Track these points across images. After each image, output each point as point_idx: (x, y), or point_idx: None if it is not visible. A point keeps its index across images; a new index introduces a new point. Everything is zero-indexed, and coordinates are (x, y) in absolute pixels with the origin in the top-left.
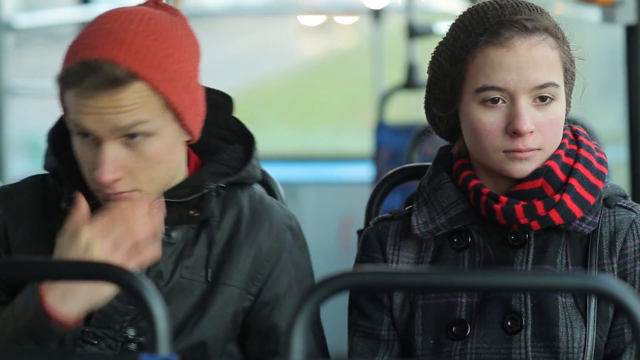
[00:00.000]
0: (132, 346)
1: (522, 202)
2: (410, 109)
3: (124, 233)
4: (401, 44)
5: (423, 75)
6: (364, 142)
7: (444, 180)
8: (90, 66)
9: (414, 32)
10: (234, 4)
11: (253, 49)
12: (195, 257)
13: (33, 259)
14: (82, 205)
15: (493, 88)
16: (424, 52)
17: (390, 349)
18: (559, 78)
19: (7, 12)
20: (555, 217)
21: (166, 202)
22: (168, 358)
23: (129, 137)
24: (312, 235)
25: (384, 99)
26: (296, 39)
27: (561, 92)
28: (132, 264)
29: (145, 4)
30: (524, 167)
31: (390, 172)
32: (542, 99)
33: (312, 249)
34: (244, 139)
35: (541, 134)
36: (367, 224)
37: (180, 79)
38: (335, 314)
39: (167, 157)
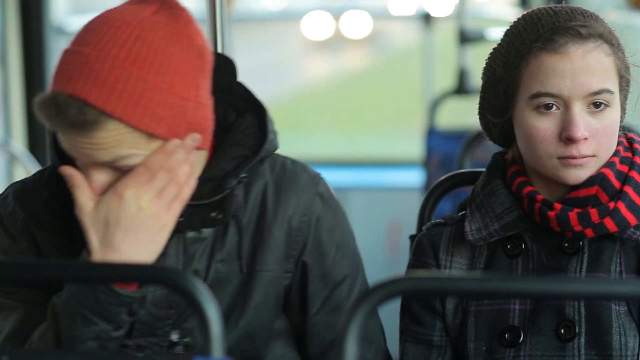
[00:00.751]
0: (179, 349)
1: (576, 210)
2: (461, 114)
3: (167, 181)
4: (451, 49)
5: (474, 81)
6: (411, 147)
7: (498, 186)
8: (60, 105)
9: (465, 38)
10: (283, 8)
11: (300, 53)
12: (227, 248)
13: (92, 262)
14: (76, 176)
15: (547, 94)
16: (475, 58)
17: (443, 354)
18: (613, 85)
19: (59, 16)
20: (610, 224)
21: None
22: None
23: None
24: (361, 240)
25: (434, 104)
26: (344, 44)
27: (616, 98)
28: (176, 208)
29: (147, 3)
30: (578, 174)
31: (443, 177)
32: (597, 105)
33: (360, 254)
34: (253, 107)
35: (595, 141)
36: (419, 229)
37: (168, 109)
38: (385, 320)
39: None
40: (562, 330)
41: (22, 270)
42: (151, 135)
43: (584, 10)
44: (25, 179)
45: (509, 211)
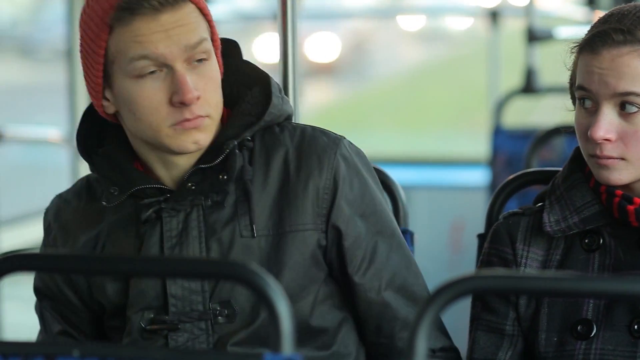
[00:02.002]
0: (220, 320)
1: None
2: (527, 113)
3: None
4: (516, 48)
5: (542, 80)
6: (473, 146)
7: (579, 180)
8: None
9: (533, 37)
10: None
11: (364, 51)
12: (251, 213)
13: (160, 256)
14: None
15: (582, 88)
16: (544, 57)
17: (514, 344)
18: None
19: None
20: None
21: (199, 169)
22: (292, 358)
23: (195, 61)
24: (423, 238)
25: (501, 103)
26: (409, 42)
27: None
28: None
29: None
30: (605, 174)
31: (513, 176)
32: (627, 107)
33: (422, 253)
34: (261, 80)
35: (623, 144)
36: (487, 228)
37: (206, 6)
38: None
39: (220, 82)
40: (636, 327)
41: (86, 264)
42: (208, 27)
43: None
44: (65, 192)
45: (589, 205)
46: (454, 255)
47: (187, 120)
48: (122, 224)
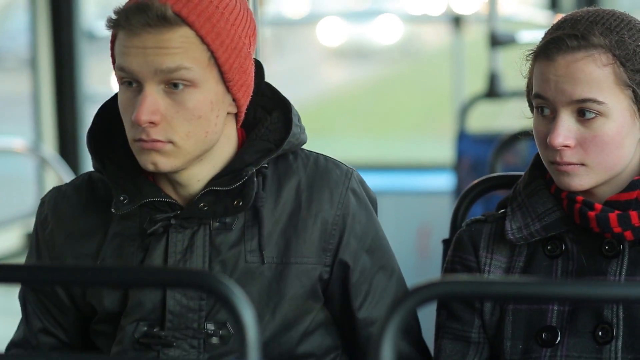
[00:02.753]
0: (214, 340)
1: (617, 211)
2: (491, 118)
3: None
4: (480, 52)
5: (505, 85)
6: (439, 151)
7: (540, 186)
8: (142, 6)
9: (496, 41)
10: (312, 11)
11: (328, 56)
12: (258, 239)
13: (125, 266)
14: None
15: (539, 96)
16: (506, 61)
17: (480, 352)
18: (606, 95)
19: (88, 21)
20: None
21: (212, 191)
22: None
23: (172, 85)
24: (390, 244)
25: (465, 108)
26: (372, 47)
27: (610, 109)
28: None
29: None
30: (566, 181)
31: (476, 181)
32: (585, 113)
33: None
34: (280, 105)
35: (582, 150)
36: (452, 233)
37: (229, 38)
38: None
39: (208, 115)
40: (600, 333)
41: (50, 274)
42: (211, 58)
43: (597, 18)
44: (63, 185)
45: (551, 212)
46: (421, 260)
47: (143, 140)
48: (126, 233)
